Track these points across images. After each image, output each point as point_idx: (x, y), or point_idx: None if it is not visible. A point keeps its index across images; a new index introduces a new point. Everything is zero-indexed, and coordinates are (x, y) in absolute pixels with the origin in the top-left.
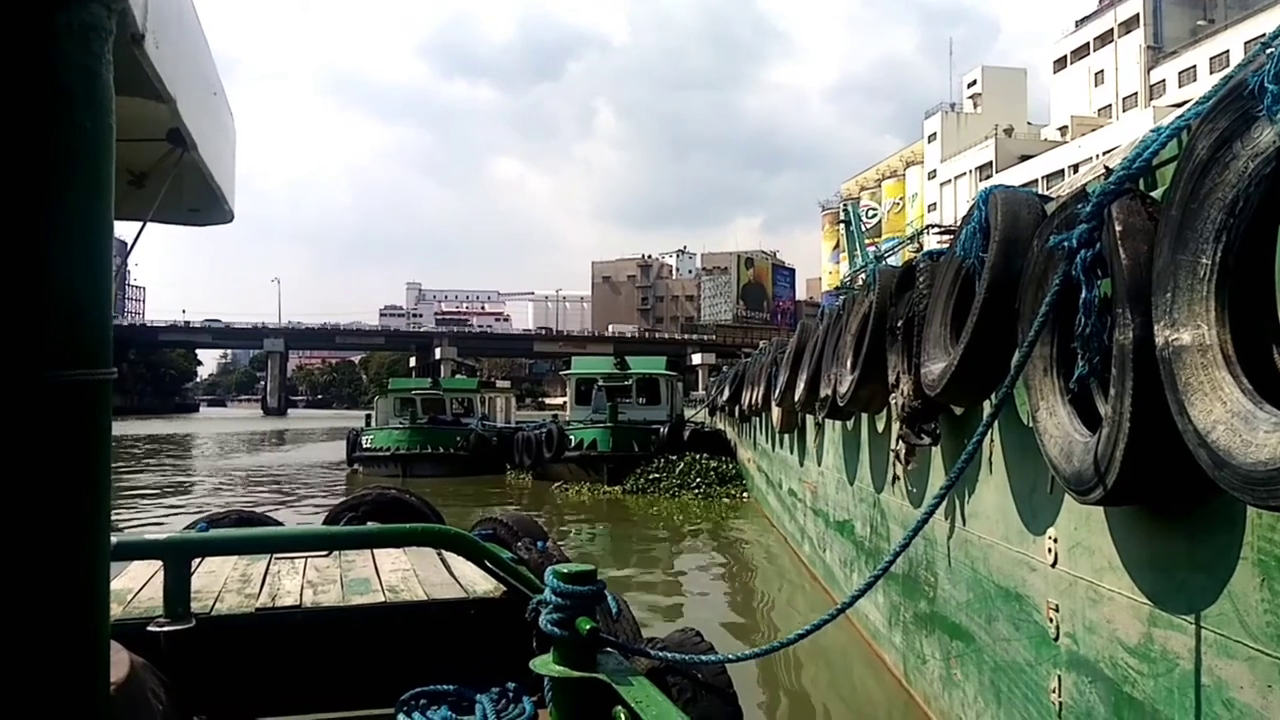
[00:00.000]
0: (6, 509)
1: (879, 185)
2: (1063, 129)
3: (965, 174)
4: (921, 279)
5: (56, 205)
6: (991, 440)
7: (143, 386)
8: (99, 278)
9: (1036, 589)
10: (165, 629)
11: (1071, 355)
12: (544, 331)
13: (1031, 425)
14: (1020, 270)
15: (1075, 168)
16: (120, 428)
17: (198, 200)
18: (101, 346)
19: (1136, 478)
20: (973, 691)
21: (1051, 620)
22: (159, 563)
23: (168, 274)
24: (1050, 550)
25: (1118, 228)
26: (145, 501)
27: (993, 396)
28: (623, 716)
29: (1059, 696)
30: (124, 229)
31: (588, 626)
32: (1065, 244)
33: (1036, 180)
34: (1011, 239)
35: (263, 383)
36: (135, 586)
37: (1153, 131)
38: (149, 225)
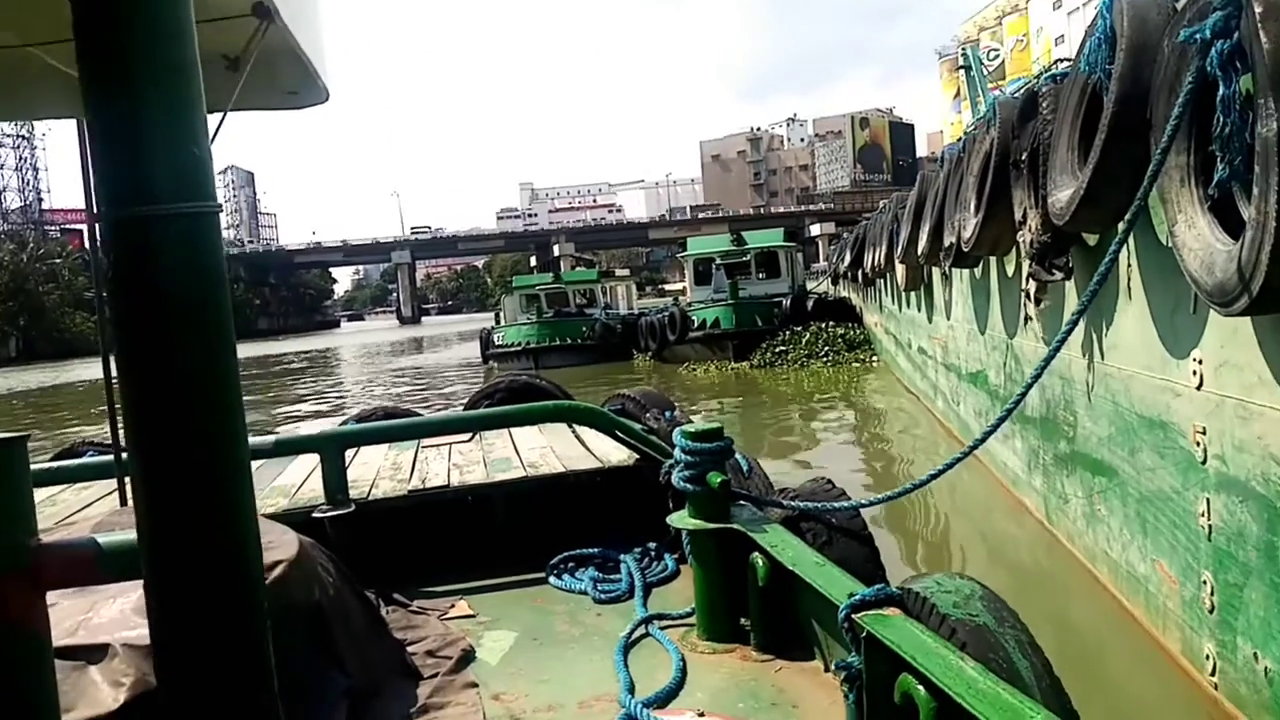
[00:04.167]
0: (146, 332)
1: (999, 23)
2: None
3: None
4: (1045, 104)
5: (143, 46)
6: (1129, 265)
7: (286, 308)
8: (194, 112)
9: (1182, 414)
10: (328, 514)
11: (1209, 161)
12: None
13: (1170, 243)
14: (1151, 79)
15: None
16: (270, 347)
17: (293, 80)
18: (200, 182)
19: None
20: (1117, 525)
21: (1199, 444)
22: (316, 458)
23: (295, 198)
24: (1195, 373)
25: (1258, 9)
26: (306, 408)
27: (1126, 217)
28: (760, 562)
29: (1208, 519)
30: (249, 160)
31: (719, 480)
32: (1198, 36)
33: None
34: (1140, 45)
35: (395, 294)
36: (299, 481)
37: None
38: (268, 144)
